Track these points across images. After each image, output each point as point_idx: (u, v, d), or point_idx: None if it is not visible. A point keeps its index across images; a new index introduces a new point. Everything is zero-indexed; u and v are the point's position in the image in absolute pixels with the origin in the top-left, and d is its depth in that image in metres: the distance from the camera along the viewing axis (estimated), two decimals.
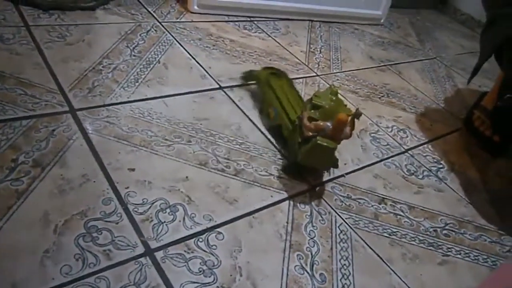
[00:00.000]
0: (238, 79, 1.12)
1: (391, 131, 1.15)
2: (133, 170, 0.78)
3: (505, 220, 0.97)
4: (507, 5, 0.89)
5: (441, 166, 1.08)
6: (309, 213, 0.81)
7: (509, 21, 0.92)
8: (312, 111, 0.82)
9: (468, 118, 1.28)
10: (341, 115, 0.75)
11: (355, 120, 0.79)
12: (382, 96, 1.30)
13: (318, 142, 0.77)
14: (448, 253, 0.84)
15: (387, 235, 0.83)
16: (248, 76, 1.10)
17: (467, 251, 0.86)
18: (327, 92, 0.84)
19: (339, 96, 0.85)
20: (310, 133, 0.79)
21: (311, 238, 0.76)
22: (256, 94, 1.08)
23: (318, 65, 1.35)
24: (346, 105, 0.84)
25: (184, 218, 0.72)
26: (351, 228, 0.81)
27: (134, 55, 1.08)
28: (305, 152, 0.80)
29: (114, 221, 0.68)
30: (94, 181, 0.73)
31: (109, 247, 0.64)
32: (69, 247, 0.62)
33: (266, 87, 1.00)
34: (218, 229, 0.72)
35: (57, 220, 0.65)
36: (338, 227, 0.81)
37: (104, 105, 0.90)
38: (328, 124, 0.78)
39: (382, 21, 1.85)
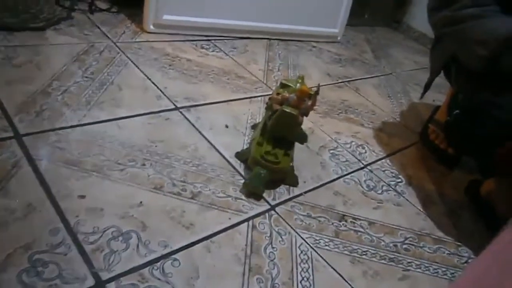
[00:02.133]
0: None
1: (350, 147, 1.16)
2: (83, 197, 0.74)
3: (461, 231, 0.99)
4: (450, 25, 0.92)
5: (399, 180, 1.10)
6: (268, 234, 0.80)
7: (453, 39, 0.96)
8: (281, 89, 0.95)
9: (423, 132, 1.31)
10: (303, 86, 0.89)
11: (317, 97, 0.91)
12: (341, 113, 1.31)
13: (283, 108, 0.88)
14: (409, 268, 0.84)
15: (348, 253, 0.82)
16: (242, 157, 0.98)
17: (427, 265, 0.86)
18: (296, 78, 0.99)
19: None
20: (278, 106, 0.90)
21: (271, 260, 0.75)
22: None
23: (277, 83, 1.35)
24: (310, 88, 0.93)
25: (138, 246, 0.69)
26: (311, 247, 0.80)
27: (86, 77, 1.05)
28: (272, 120, 0.90)
29: (62, 253, 0.64)
30: (40, 211, 0.69)
31: (56, 281, 0.60)
32: (11, 284, 0.58)
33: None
34: (174, 256, 0.69)
35: None
36: (299, 247, 0.79)
37: (53, 129, 0.86)
38: (292, 95, 0.89)
39: (339, 38, 1.89)
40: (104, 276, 0.63)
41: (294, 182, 0.94)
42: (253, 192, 0.87)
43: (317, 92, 0.90)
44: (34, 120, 0.86)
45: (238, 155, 0.96)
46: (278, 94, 0.94)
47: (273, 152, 0.89)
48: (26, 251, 0.62)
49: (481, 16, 0.87)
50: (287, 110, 0.87)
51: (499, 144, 0.93)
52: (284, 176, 0.93)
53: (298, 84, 0.96)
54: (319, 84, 0.90)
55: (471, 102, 0.97)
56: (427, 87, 1.16)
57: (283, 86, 0.98)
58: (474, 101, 0.95)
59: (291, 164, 0.95)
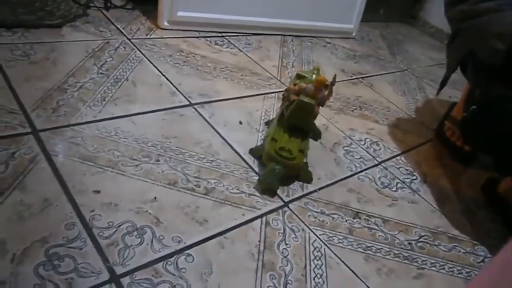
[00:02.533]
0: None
1: (364, 143, 1.15)
2: (98, 192, 0.75)
3: (477, 229, 0.98)
4: (467, 19, 0.91)
5: (414, 177, 1.08)
6: (282, 231, 0.79)
7: (471, 34, 0.94)
8: (297, 80, 0.95)
9: (439, 129, 1.29)
10: (320, 76, 0.91)
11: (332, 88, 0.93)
12: (355, 109, 1.30)
13: (301, 98, 0.89)
14: (423, 266, 0.83)
15: (362, 250, 0.82)
16: (257, 153, 0.97)
17: (442, 263, 0.85)
18: (310, 69, 0.99)
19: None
20: (295, 96, 0.91)
21: (284, 257, 0.75)
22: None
23: (291, 80, 1.34)
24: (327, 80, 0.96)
25: (152, 241, 0.70)
26: (325, 244, 0.80)
27: (101, 73, 1.06)
28: (290, 110, 0.92)
29: (78, 247, 0.65)
30: (57, 205, 0.70)
31: (72, 275, 0.61)
32: (28, 277, 0.59)
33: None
34: (187, 251, 0.70)
35: (15, 248, 0.62)
36: (312, 244, 0.79)
37: (69, 125, 0.87)
38: (310, 86, 0.91)
39: (353, 34, 1.88)
40: (119, 270, 0.64)
41: (308, 178, 0.94)
42: (267, 188, 0.87)
43: (333, 83, 0.91)
44: (50, 116, 0.87)
45: (252, 151, 0.96)
46: (294, 85, 0.95)
47: (288, 148, 0.89)
48: (43, 245, 0.63)
49: (498, 9, 0.85)
50: (305, 100, 0.89)
51: None
52: (298, 172, 0.93)
53: (313, 75, 0.96)
54: (335, 74, 0.90)
55: (488, 97, 0.96)
56: (443, 83, 1.14)
57: (300, 77, 0.98)
58: (491, 96, 0.93)
59: (305, 160, 0.94)
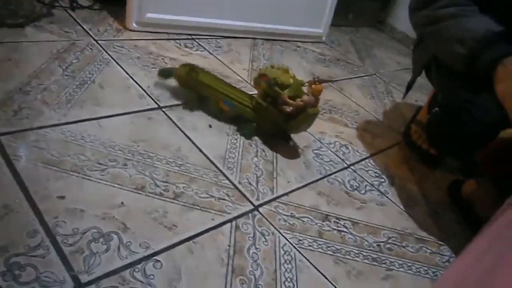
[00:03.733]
0: (158, 77, 1.13)
1: (334, 147, 1.16)
2: (63, 198, 0.72)
3: (443, 230, 1.00)
4: (430, 24, 0.93)
5: (382, 180, 1.10)
6: (252, 235, 0.79)
7: (433, 39, 0.96)
8: (285, 91, 0.99)
9: (406, 132, 1.32)
10: (318, 86, 0.97)
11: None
12: (325, 113, 1.32)
13: (313, 112, 0.98)
14: (391, 267, 0.85)
15: (332, 253, 0.82)
16: (167, 74, 1.12)
17: (409, 264, 0.87)
18: (279, 70, 1.01)
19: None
20: (291, 109, 0.99)
21: (254, 261, 0.74)
22: (180, 93, 1.10)
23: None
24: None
25: (119, 247, 0.68)
26: (295, 248, 0.80)
27: (66, 75, 1.03)
28: (298, 122, 1.00)
29: (40, 255, 0.62)
30: (18, 212, 0.67)
31: (34, 284, 0.59)
32: None
33: (202, 85, 1.05)
34: (155, 257, 0.68)
35: None
36: (282, 247, 0.79)
37: (31, 129, 0.84)
38: (311, 97, 0.98)
39: (323, 39, 1.90)
40: (84, 279, 0.62)
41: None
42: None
43: (324, 81, 1.01)
44: (12, 119, 0.84)
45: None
46: (289, 97, 0.98)
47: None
48: (3, 254, 0.61)
49: (460, 15, 0.87)
50: (313, 112, 0.98)
51: (479, 143, 0.94)
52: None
53: (291, 79, 1.00)
54: (316, 77, 0.99)
55: (451, 101, 0.98)
56: (409, 87, 1.17)
57: (281, 86, 0.99)
58: (454, 101, 0.96)
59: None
